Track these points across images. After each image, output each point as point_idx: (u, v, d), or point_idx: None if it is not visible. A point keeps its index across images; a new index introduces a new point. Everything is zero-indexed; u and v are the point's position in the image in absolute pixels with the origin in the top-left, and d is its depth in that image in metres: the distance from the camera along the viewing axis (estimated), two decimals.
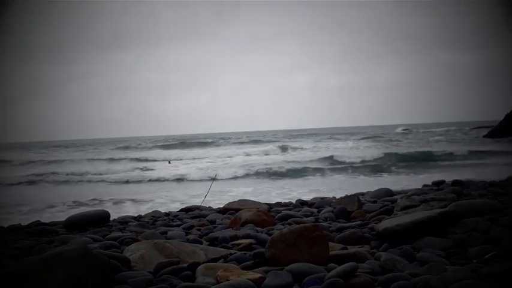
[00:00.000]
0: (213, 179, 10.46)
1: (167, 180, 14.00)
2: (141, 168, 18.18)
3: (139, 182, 13.96)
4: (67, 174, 16.43)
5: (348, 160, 16.62)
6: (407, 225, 2.39)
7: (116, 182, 13.95)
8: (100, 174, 16.45)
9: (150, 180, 14.05)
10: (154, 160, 23.18)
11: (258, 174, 14.11)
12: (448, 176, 7.97)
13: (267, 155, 23.06)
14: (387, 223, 2.49)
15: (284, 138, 38.35)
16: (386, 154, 17.16)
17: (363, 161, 16.21)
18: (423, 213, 2.59)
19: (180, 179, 13.99)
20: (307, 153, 21.94)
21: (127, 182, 14.06)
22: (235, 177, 13.86)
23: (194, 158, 24.30)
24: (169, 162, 21.89)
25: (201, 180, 13.39)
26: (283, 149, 25.14)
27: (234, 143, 37.25)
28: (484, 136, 25.95)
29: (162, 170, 17.80)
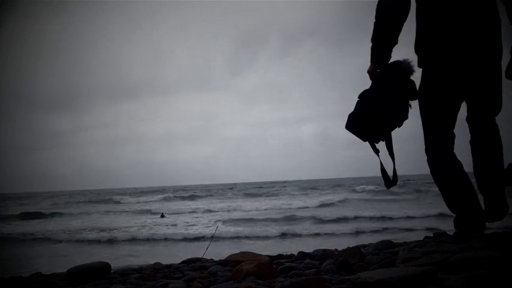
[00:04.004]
0: (213, 235, 10.37)
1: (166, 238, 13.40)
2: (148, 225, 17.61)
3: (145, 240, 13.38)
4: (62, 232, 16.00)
5: None
6: (402, 278, 2.40)
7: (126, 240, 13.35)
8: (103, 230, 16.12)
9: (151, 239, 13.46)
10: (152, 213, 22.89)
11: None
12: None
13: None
14: (379, 274, 2.50)
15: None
16: None
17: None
18: (421, 267, 2.60)
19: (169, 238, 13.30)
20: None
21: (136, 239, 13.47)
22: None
23: (198, 211, 24.03)
24: (162, 216, 21.16)
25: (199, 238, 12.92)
26: None
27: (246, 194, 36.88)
28: None
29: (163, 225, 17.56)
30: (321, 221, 16.23)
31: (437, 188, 3.12)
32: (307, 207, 23.32)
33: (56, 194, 59.39)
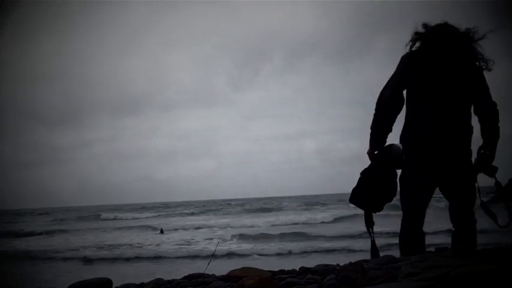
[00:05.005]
0: (215, 251, 10.33)
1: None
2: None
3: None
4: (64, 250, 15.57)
5: None
6: None
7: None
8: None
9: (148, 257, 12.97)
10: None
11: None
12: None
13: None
14: None
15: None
16: None
17: None
18: (423, 282, 2.61)
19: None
20: None
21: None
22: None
23: (199, 227, 23.78)
24: (161, 232, 20.83)
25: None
26: None
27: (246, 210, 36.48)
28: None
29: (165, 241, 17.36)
30: (326, 237, 16.12)
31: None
32: (310, 222, 23.19)
33: (57, 209, 59.19)
